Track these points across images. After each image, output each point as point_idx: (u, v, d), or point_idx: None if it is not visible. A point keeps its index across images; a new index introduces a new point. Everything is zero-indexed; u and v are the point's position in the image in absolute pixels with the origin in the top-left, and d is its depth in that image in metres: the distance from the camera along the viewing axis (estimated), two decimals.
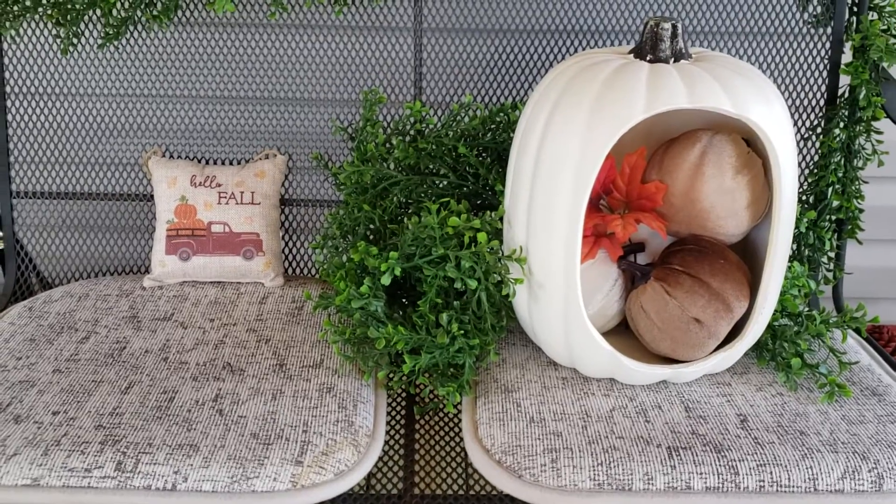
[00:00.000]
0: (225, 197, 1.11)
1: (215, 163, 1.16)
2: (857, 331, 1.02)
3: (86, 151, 1.17)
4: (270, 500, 0.76)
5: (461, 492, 0.83)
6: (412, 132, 1.12)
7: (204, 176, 1.11)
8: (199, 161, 1.16)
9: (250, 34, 1.14)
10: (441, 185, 1.09)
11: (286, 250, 1.19)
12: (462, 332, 0.90)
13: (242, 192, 1.11)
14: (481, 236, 0.90)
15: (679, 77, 0.82)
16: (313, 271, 1.21)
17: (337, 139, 1.18)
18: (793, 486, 0.78)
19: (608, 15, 1.14)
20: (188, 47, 1.14)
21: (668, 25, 0.86)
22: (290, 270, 1.20)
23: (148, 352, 0.96)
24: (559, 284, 0.85)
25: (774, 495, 0.77)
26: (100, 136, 1.17)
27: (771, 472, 0.78)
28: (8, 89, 1.14)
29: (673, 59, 0.86)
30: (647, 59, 0.86)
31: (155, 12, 1.08)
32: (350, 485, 0.79)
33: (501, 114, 1.08)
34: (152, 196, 1.16)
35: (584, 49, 1.15)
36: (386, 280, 0.93)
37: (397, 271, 0.93)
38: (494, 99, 1.17)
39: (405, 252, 0.95)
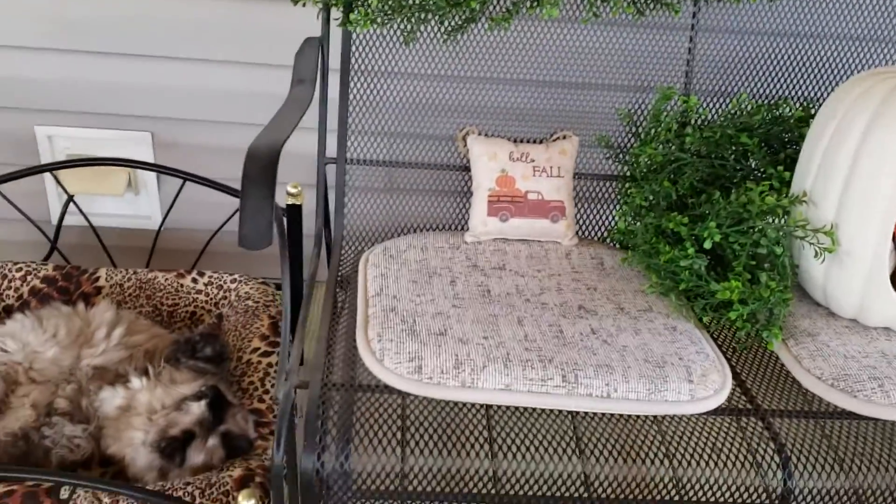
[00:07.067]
0: (538, 170, 1.34)
1: (521, 141, 1.40)
2: None
3: (407, 126, 1.40)
4: (678, 408, 1.02)
5: (796, 408, 1.09)
6: (692, 121, 1.37)
7: (519, 152, 1.35)
8: (510, 139, 1.39)
9: (552, 27, 1.36)
10: (716, 167, 1.33)
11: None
12: (779, 288, 1.15)
13: (551, 167, 1.35)
14: (798, 213, 1.15)
15: None
16: (592, 233, 1.45)
17: (615, 122, 1.41)
18: None
19: (871, 22, 1.37)
20: (501, 38, 1.36)
21: None
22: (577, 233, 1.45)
23: (509, 294, 1.20)
24: (867, 254, 1.11)
25: None
26: (421, 112, 1.39)
27: None
28: (352, 69, 1.36)
29: None
30: None
31: (495, 17, 1.30)
32: (722, 399, 1.05)
33: (776, 109, 1.33)
34: (463, 167, 1.39)
35: (842, 55, 1.39)
36: (708, 244, 1.18)
37: (717, 238, 1.18)
38: (752, 94, 1.41)
39: (718, 223, 1.19)
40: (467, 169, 1.39)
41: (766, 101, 1.37)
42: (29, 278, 1.52)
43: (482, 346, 1.05)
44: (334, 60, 1.36)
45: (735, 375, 1.13)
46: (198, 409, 1.21)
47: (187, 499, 1.09)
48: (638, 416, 1.06)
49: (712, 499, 1.05)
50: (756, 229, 1.17)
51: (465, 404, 1.03)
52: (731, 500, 1.05)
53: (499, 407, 1.04)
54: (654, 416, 1.05)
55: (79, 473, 1.21)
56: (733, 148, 1.32)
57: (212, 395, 1.22)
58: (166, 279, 1.57)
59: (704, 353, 1.10)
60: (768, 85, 1.41)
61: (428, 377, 1.01)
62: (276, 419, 1.26)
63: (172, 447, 1.19)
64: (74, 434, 1.23)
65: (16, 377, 1.28)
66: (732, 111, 1.35)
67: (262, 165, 0.90)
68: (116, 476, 1.23)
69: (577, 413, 1.04)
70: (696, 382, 1.04)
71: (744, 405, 1.08)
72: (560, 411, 1.03)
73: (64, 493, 1.08)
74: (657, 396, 1.02)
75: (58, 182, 1.63)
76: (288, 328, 1.06)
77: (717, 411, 1.05)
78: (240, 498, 1.04)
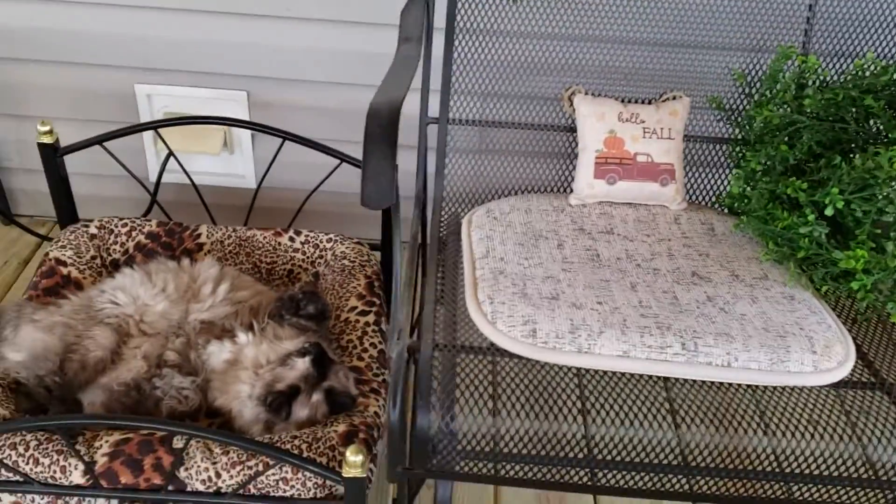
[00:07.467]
0: (648, 132, 1.30)
1: (630, 101, 1.36)
2: None
3: (510, 86, 1.37)
4: (801, 379, 0.99)
5: None
6: (810, 82, 1.30)
7: (629, 113, 1.31)
8: (618, 99, 1.35)
9: None
10: (836, 131, 1.27)
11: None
12: None
13: (662, 128, 1.31)
14: None
15: None
16: (700, 198, 1.41)
17: (727, 83, 1.35)
18: None
19: None
20: None
21: None
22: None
23: (619, 259, 1.18)
24: None
25: None
26: (525, 72, 1.36)
27: None
28: (457, 27, 1.33)
29: None
30: None
31: None
32: (846, 372, 1.01)
33: None
34: (566, 128, 1.36)
35: None
36: (829, 211, 1.13)
37: (839, 205, 1.13)
38: (877, 54, 1.34)
39: (840, 188, 1.14)
40: (571, 130, 1.36)
41: (893, 62, 1.30)
42: (134, 234, 1.56)
43: (597, 311, 1.04)
44: (439, 20, 1.34)
45: (856, 347, 1.09)
46: (303, 364, 1.22)
47: (295, 452, 1.11)
48: (731, 384, 1.03)
49: (807, 471, 1.02)
50: (883, 196, 1.12)
51: (553, 366, 1.01)
52: (826, 472, 1.02)
53: (588, 370, 1.02)
54: (748, 386, 1.02)
55: (188, 424, 1.24)
56: (854, 111, 1.26)
57: (316, 351, 1.24)
58: (264, 237, 1.59)
59: (826, 323, 1.06)
60: (895, 44, 1.34)
61: (543, 341, 0.99)
62: (376, 377, 1.27)
63: (279, 401, 1.20)
64: (183, 386, 1.26)
65: (127, 329, 1.31)
66: (855, 72, 1.28)
67: (383, 124, 0.89)
68: (222, 427, 1.26)
69: (669, 379, 1.02)
70: (820, 354, 1.01)
71: (868, 378, 1.04)
72: (650, 377, 1.01)
73: (178, 443, 1.11)
74: (780, 367, 0.99)
75: (161, 140, 1.65)
76: (399, 288, 1.06)
77: (840, 384, 1.01)
78: (347, 453, 1.05)
